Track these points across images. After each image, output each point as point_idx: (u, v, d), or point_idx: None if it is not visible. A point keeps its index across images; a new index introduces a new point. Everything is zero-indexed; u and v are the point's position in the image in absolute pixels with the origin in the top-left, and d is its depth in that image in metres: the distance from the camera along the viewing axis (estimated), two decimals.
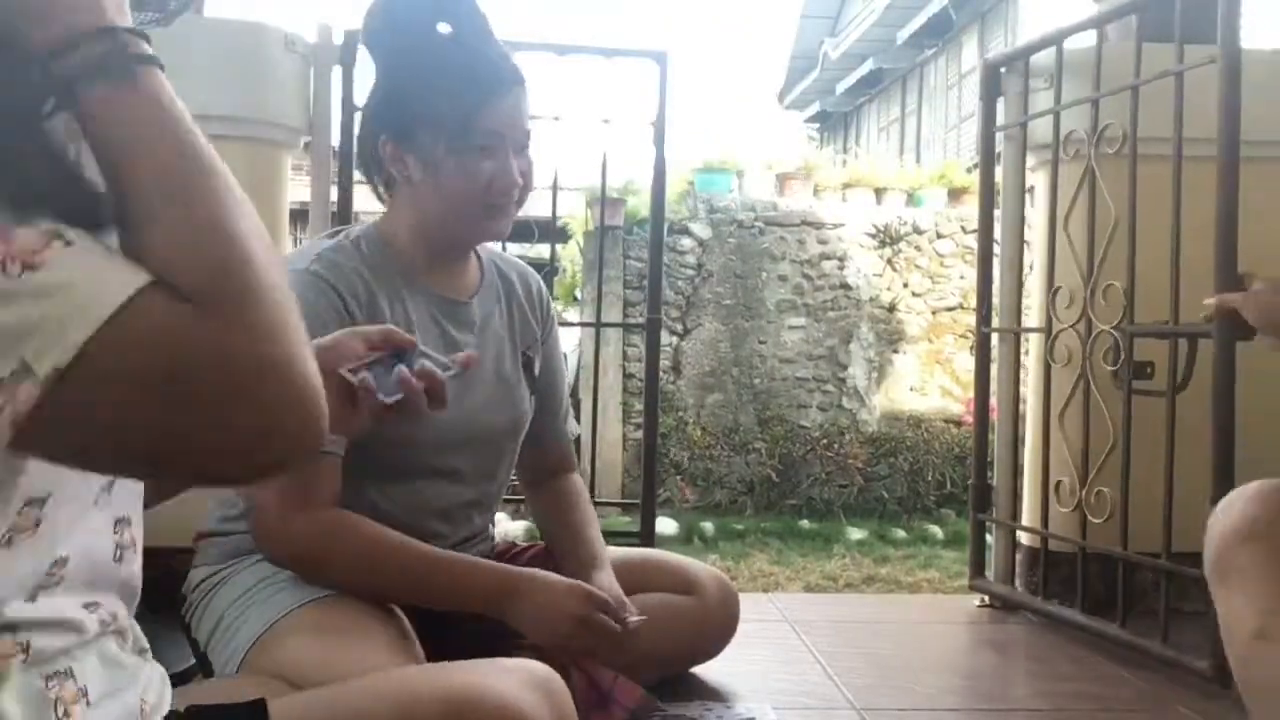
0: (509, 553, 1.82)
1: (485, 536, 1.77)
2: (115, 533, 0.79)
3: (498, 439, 1.71)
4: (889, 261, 7.08)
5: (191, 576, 1.59)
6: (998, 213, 2.71)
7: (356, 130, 1.68)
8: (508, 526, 4.82)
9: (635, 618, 1.56)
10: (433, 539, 1.57)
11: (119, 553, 0.79)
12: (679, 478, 6.25)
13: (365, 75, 2.43)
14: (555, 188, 2.84)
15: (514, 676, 1.11)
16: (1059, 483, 2.52)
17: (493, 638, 1.60)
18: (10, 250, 0.61)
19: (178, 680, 1.47)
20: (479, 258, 1.73)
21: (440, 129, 1.54)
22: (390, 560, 1.46)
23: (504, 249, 2.64)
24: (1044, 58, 2.60)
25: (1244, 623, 1.14)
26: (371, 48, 1.62)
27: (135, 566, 0.82)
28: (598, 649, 1.51)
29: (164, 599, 1.59)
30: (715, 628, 1.85)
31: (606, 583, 1.63)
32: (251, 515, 1.46)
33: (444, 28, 1.58)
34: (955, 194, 7.40)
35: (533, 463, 1.83)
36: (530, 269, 1.83)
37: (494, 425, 1.68)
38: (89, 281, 0.62)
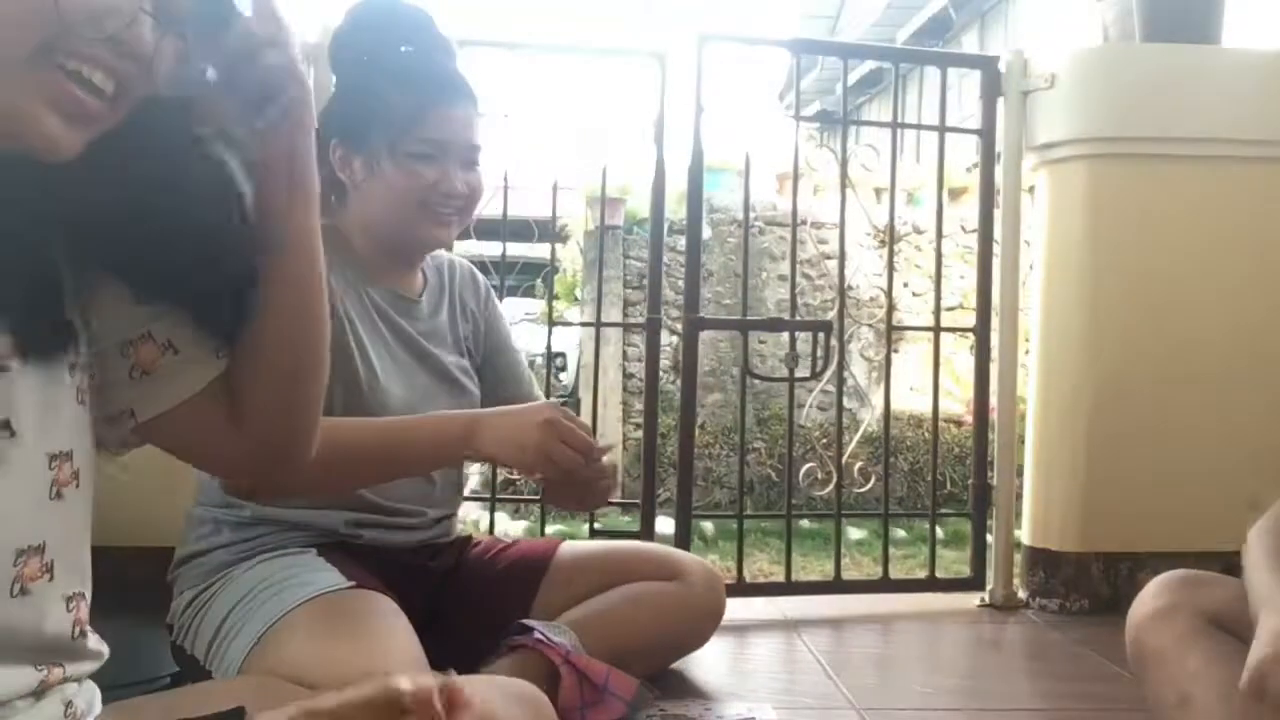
0: (491, 549, 1.82)
1: (446, 530, 1.78)
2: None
3: None
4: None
5: (177, 604, 1.58)
6: (997, 212, 2.71)
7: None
8: (507, 526, 4.82)
9: (605, 444, 1.58)
10: (392, 526, 1.65)
11: None
12: (678, 476, 6.24)
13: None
14: (555, 188, 2.84)
15: (499, 692, 1.12)
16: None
17: (487, 632, 1.60)
18: None
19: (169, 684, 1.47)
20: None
21: (386, 129, 1.60)
22: (362, 446, 1.48)
23: (504, 250, 2.65)
24: (1044, 57, 2.60)
25: (1166, 696, 1.25)
26: (335, 64, 1.70)
27: None
28: (570, 464, 1.49)
29: (150, 599, 1.59)
30: (702, 613, 1.84)
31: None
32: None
33: (405, 48, 1.66)
34: (955, 194, 7.39)
35: None
36: (457, 257, 1.89)
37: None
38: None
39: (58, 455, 0.80)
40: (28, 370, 0.77)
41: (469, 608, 1.72)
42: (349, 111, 1.64)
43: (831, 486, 2.80)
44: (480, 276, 1.89)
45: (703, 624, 1.86)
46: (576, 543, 1.88)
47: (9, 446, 0.76)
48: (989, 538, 2.72)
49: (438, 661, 1.49)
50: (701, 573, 1.85)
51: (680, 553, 1.93)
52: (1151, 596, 1.33)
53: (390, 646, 1.36)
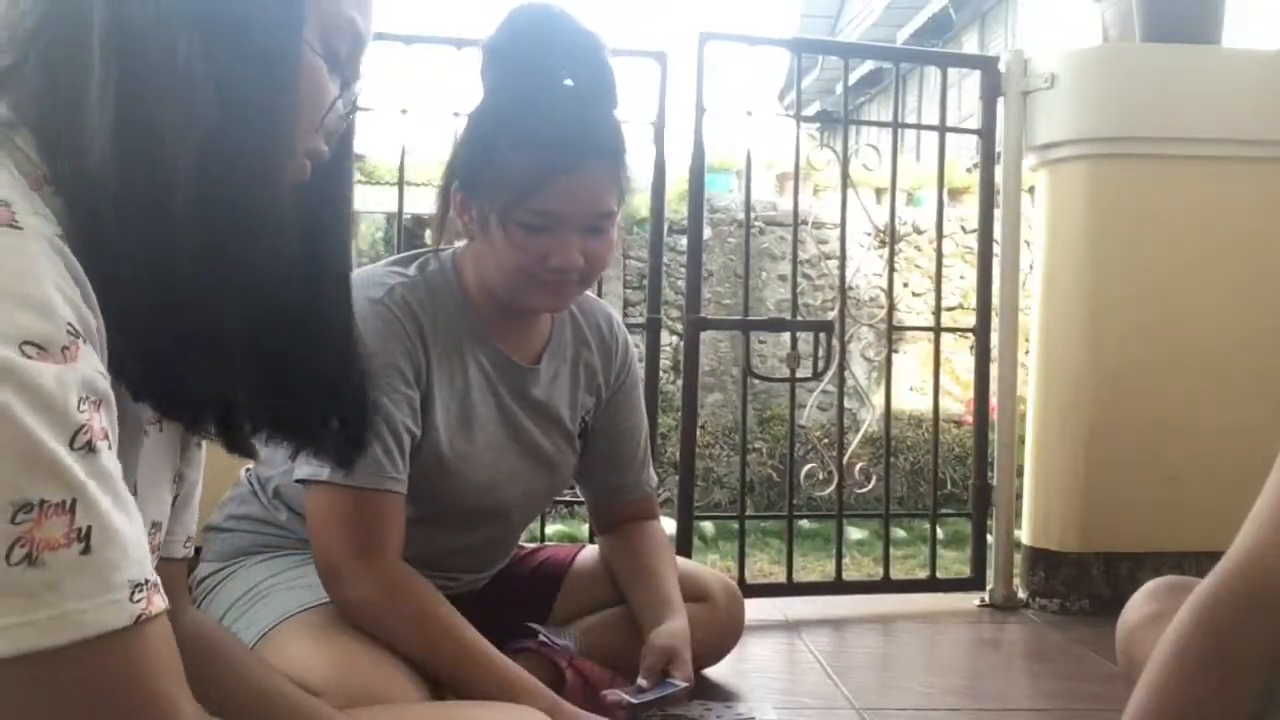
0: (518, 555, 1.81)
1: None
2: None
3: (524, 511, 1.69)
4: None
5: (198, 570, 1.59)
6: (997, 212, 2.71)
7: (449, 159, 1.55)
8: None
9: (681, 683, 1.51)
10: (445, 577, 1.56)
11: None
12: (679, 477, 6.25)
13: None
14: None
15: (510, 717, 1.13)
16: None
17: (506, 636, 1.59)
18: None
19: None
20: None
21: (499, 190, 1.43)
22: (439, 640, 1.40)
23: None
24: (1044, 57, 2.60)
25: None
26: (483, 75, 1.49)
27: None
28: None
29: None
30: (723, 633, 1.83)
31: (677, 629, 1.59)
32: (320, 555, 1.41)
33: (566, 81, 1.47)
34: (955, 194, 7.39)
35: (607, 515, 1.79)
36: (613, 313, 1.75)
37: (522, 497, 1.64)
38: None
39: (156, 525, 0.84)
40: (162, 439, 0.83)
41: (491, 612, 1.66)
42: (471, 154, 1.47)
43: (833, 487, 2.80)
44: (622, 334, 1.74)
45: (723, 643, 1.85)
46: (596, 549, 1.86)
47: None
48: (989, 538, 2.72)
49: None
50: (724, 593, 1.82)
51: (702, 570, 1.90)
52: (1139, 604, 1.32)
53: (391, 656, 1.36)
